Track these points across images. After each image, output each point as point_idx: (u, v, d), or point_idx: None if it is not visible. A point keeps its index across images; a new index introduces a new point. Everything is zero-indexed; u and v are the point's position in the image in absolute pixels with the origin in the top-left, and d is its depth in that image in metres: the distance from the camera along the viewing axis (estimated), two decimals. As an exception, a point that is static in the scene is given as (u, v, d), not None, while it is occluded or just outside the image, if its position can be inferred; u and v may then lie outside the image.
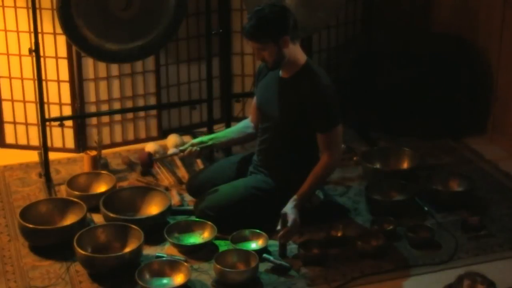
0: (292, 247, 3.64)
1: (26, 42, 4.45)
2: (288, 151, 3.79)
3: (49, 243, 3.65)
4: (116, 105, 4.74)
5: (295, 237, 3.70)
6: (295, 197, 3.62)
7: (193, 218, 3.83)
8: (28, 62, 4.51)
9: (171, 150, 4.49)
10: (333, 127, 3.66)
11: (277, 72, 3.77)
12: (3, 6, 4.49)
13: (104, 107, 4.72)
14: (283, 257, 3.54)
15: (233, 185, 3.84)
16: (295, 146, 3.77)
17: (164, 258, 3.52)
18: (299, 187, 3.65)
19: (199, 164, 4.43)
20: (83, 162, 4.43)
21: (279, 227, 3.55)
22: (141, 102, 4.80)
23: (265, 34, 3.57)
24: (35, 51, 4.04)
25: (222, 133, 4.04)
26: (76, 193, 3.98)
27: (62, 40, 4.47)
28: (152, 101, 4.83)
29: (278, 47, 3.59)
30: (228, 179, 3.93)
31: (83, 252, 3.42)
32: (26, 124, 4.71)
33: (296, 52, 3.67)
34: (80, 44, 4.07)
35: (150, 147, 4.52)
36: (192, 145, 3.86)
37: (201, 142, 3.89)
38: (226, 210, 3.73)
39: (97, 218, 3.90)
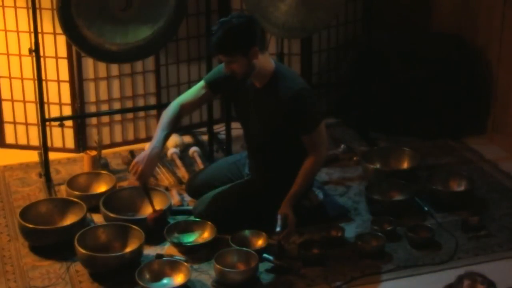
0: (292, 247, 3.64)
1: (26, 42, 4.45)
2: (274, 156, 3.77)
3: (49, 243, 3.65)
4: (116, 105, 4.74)
5: (295, 237, 3.70)
6: (288, 197, 3.61)
7: (193, 218, 3.83)
8: (28, 62, 4.51)
9: (171, 150, 4.51)
10: (315, 127, 3.63)
11: (251, 83, 3.70)
12: (3, 6, 4.49)
13: (104, 107, 4.72)
14: (282, 258, 3.54)
15: (231, 187, 3.84)
16: (281, 150, 3.75)
17: (164, 258, 3.52)
18: (288, 188, 3.64)
19: (199, 164, 4.43)
20: (83, 162, 4.43)
21: (278, 229, 3.54)
22: (141, 102, 4.80)
23: (234, 47, 3.47)
24: (35, 51, 4.04)
25: (164, 135, 3.72)
26: (76, 193, 3.99)
27: (62, 40, 4.48)
28: (152, 101, 4.83)
29: (247, 59, 3.50)
30: (227, 180, 3.93)
31: (84, 251, 3.42)
32: (26, 124, 4.71)
33: (265, 61, 3.59)
34: (80, 44, 4.07)
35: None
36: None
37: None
38: (224, 212, 3.73)
39: (97, 218, 3.90)
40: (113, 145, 4.79)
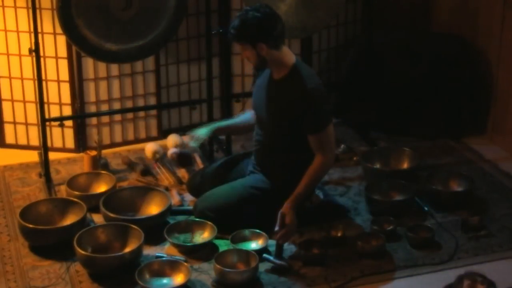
0: (292, 247, 3.65)
1: (26, 42, 4.45)
2: (281, 152, 3.79)
3: (49, 243, 3.65)
4: (116, 105, 4.74)
5: (295, 237, 3.70)
6: (291, 198, 3.62)
7: (193, 218, 3.83)
8: (28, 62, 4.51)
9: (171, 150, 4.50)
10: (323, 128, 3.65)
11: (270, 73, 3.78)
12: (3, 6, 4.49)
13: (104, 107, 4.72)
14: (280, 257, 3.54)
15: (232, 185, 3.84)
16: (287, 147, 3.77)
17: (164, 258, 3.52)
18: (296, 186, 3.65)
19: (199, 164, 4.43)
20: (83, 162, 4.43)
21: (277, 228, 3.56)
22: (141, 102, 4.80)
23: (242, 37, 3.64)
24: (35, 51, 4.04)
25: (227, 121, 4.10)
26: (76, 193, 3.99)
27: (62, 40, 4.48)
28: (152, 101, 4.83)
29: (255, 51, 3.63)
30: (228, 179, 3.93)
31: (83, 252, 3.42)
32: (26, 124, 4.71)
33: (282, 56, 3.68)
34: (80, 44, 4.08)
35: (150, 147, 4.52)
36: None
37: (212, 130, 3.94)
38: (225, 210, 3.74)
39: (97, 218, 3.90)
40: (113, 145, 4.79)
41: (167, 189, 4.17)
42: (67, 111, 4.63)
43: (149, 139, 4.83)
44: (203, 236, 3.72)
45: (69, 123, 4.60)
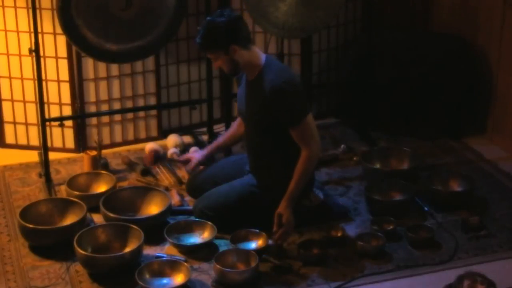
0: (291, 247, 3.65)
1: (26, 42, 4.45)
2: (267, 151, 3.79)
3: (49, 243, 3.65)
4: (116, 105, 4.74)
5: (295, 237, 3.70)
6: (285, 197, 3.61)
7: (193, 218, 3.84)
8: (28, 62, 4.51)
9: (171, 150, 4.51)
10: (300, 120, 3.64)
11: (246, 76, 3.78)
12: (3, 6, 4.49)
13: (104, 107, 4.72)
14: (280, 257, 3.54)
15: (231, 184, 3.85)
16: (272, 145, 3.76)
17: (164, 258, 3.52)
18: (289, 183, 3.64)
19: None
20: (83, 162, 4.43)
21: (275, 229, 3.56)
22: (141, 102, 4.80)
23: (212, 45, 3.61)
24: (35, 51, 4.04)
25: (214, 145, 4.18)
26: (76, 193, 3.99)
27: (62, 40, 4.48)
28: (152, 101, 4.83)
29: (229, 56, 3.61)
30: (229, 177, 3.93)
31: (83, 252, 3.42)
32: (26, 124, 4.71)
33: (252, 55, 3.67)
34: (80, 44, 4.08)
35: (150, 147, 4.52)
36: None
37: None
38: (224, 209, 3.74)
39: (97, 218, 3.90)
40: (113, 145, 4.79)
41: (167, 189, 4.17)
42: (67, 111, 4.63)
43: (149, 139, 4.83)
44: (203, 236, 3.72)
45: (69, 123, 4.61)
